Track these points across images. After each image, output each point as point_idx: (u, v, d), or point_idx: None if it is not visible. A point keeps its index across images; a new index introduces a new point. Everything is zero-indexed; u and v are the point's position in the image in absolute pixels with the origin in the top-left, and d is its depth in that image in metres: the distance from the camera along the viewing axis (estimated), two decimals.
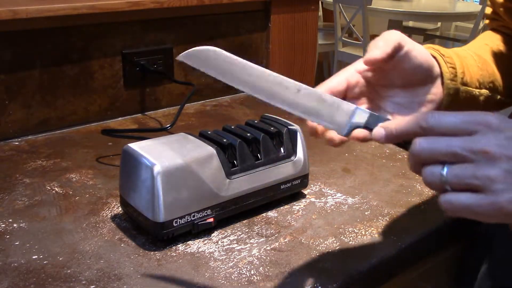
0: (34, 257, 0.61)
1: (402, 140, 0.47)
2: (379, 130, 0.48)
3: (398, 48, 0.53)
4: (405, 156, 0.91)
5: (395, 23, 4.03)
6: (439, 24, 4.41)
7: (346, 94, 0.56)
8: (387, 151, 0.93)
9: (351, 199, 0.76)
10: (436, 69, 0.58)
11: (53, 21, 0.96)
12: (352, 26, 3.50)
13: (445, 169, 0.43)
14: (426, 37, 4.38)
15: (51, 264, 0.60)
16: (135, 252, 0.63)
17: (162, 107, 1.14)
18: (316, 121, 0.51)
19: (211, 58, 0.52)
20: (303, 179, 0.74)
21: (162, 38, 1.10)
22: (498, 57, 0.70)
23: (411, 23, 4.63)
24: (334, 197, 0.77)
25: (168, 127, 0.96)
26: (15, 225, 0.68)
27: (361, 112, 0.50)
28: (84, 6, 0.96)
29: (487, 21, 0.80)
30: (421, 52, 0.55)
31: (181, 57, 0.52)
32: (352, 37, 3.92)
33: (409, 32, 4.68)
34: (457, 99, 0.60)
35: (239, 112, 1.13)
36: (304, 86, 0.51)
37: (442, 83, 0.58)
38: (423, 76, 0.56)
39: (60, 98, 1.01)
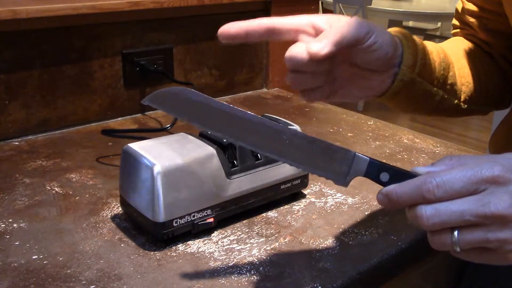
0: (34, 257, 0.61)
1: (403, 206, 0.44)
2: (382, 197, 0.45)
3: (360, 38, 0.52)
4: (405, 157, 0.91)
5: (395, 23, 4.03)
6: (439, 24, 4.42)
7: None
8: (387, 151, 0.93)
9: (351, 199, 0.76)
10: (396, 60, 0.56)
11: (53, 21, 0.95)
12: None
13: (456, 236, 0.41)
14: (426, 37, 4.38)
15: (51, 264, 0.60)
16: (135, 252, 0.63)
17: None
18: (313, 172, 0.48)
19: (181, 99, 0.48)
20: (303, 179, 0.74)
21: (162, 38, 1.10)
22: (467, 61, 0.69)
23: (411, 23, 4.64)
24: (334, 197, 0.77)
25: (168, 127, 0.96)
26: (15, 225, 0.68)
27: (359, 159, 0.47)
28: (84, 6, 0.96)
29: (455, 31, 0.78)
30: (387, 40, 0.55)
31: (146, 101, 0.49)
32: None
33: (409, 32, 4.68)
34: (411, 90, 0.58)
35: None
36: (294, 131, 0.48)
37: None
38: (384, 65, 0.56)
39: (60, 98, 1.01)
